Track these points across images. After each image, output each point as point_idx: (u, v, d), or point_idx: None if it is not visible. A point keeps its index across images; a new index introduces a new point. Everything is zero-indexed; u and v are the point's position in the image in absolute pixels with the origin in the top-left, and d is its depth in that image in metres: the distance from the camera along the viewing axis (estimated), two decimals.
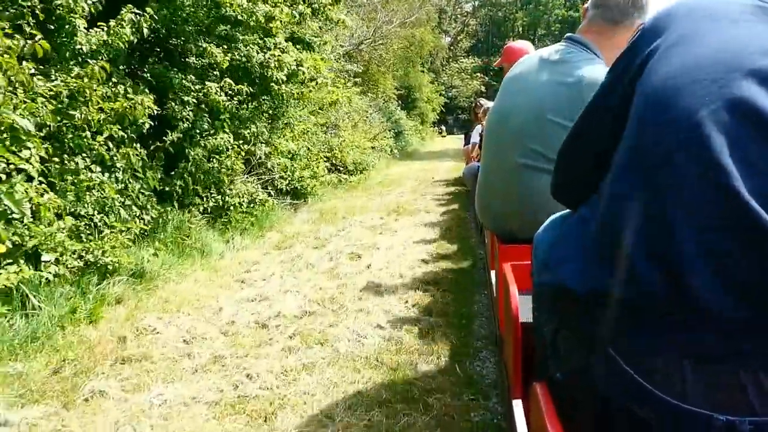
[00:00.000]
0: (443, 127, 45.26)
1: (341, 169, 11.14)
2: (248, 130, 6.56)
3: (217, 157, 5.76)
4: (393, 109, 24.16)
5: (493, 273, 2.51)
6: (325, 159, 10.73)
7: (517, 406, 1.47)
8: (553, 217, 1.27)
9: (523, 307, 1.41)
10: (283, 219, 7.06)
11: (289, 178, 7.46)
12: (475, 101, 7.95)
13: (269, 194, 6.98)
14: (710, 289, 0.78)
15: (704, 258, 0.78)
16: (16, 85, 3.39)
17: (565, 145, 1.17)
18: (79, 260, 3.67)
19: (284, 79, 7.02)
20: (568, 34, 2.14)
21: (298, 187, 7.61)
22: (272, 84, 6.90)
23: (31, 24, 3.77)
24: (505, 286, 1.64)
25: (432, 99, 39.58)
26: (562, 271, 1.02)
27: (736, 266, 0.77)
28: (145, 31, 4.76)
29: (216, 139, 5.68)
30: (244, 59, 6.36)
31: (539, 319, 1.16)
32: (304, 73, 7.75)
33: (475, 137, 6.55)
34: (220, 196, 5.95)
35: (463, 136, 13.93)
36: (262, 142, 6.90)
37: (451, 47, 55.57)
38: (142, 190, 4.66)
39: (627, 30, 1.97)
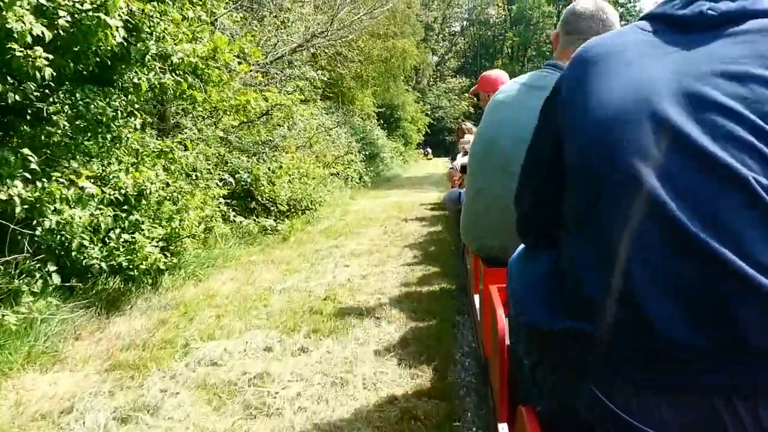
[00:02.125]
0: (429, 149, 41.55)
1: (269, 208, 7.34)
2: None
3: None
4: (370, 127, 20.42)
5: (476, 297, 2.45)
6: (230, 196, 6.94)
7: (503, 429, 1.45)
8: (521, 249, 1.28)
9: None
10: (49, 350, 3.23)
11: (99, 254, 3.63)
12: (459, 124, 7.52)
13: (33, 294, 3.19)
14: (670, 319, 0.78)
15: (659, 288, 0.79)
16: None
17: (518, 187, 1.19)
18: None
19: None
20: (548, 61, 2.11)
21: (128, 265, 3.77)
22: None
23: None
24: (491, 309, 1.61)
25: (417, 119, 36.10)
26: (534, 312, 1.02)
27: (690, 292, 0.78)
28: None
29: None
30: None
31: (519, 349, 1.13)
32: (158, 35, 4.01)
33: (458, 162, 5.59)
34: None
35: (449, 159, 11.71)
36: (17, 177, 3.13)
37: (439, 66, 52.35)
38: None
39: None
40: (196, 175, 6.09)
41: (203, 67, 5.57)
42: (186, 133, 6.75)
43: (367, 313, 3.72)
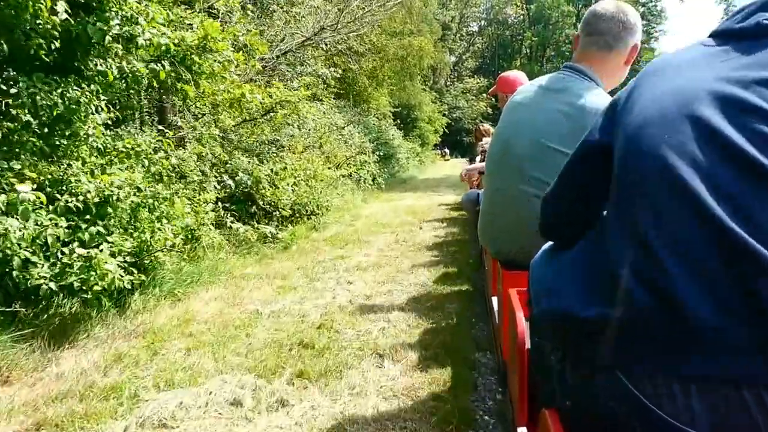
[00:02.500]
0: (447, 150, 40.76)
1: (271, 213, 6.69)
2: None
3: None
4: (384, 127, 19.75)
5: (495, 299, 2.42)
6: (229, 199, 6.31)
7: None
8: (546, 246, 1.27)
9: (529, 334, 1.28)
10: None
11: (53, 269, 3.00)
12: (477, 125, 7.30)
13: None
14: (701, 309, 0.78)
15: (691, 279, 0.79)
16: None
17: (555, 189, 1.19)
18: None
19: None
20: (566, 63, 2.08)
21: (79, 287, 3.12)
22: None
23: None
24: (510, 312, 1.58)
25: (434, 119, 35.40)
26: (565, 299, 1.01)
27: (722, 284, 0.78)
28: None
29: None
30: None
31: (543, 347, 1.10)
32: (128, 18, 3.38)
33: (475, 166, 5.17)
34: None
35: (467, 161, 10.57)
36: None
37: (456, 66, 51.54)
38: None
39: (621, 54, 1.97)
40: (186, 178, 5.47)
41: (193, 56, 4.95)
42: (181, 131, 6.14)
43: (368, 349, 3.04)
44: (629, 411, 0.83)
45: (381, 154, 15.21)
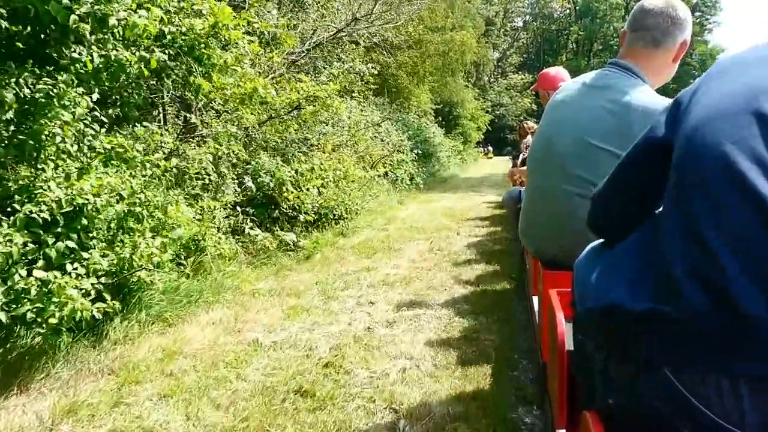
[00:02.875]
0: (490, 148, 39.73)
1: (294, 219, 6.11)
2: None
3: None
4: (424, 124, 19.04)
5: (535, 299, 2.39)
6: (250, 203, 5.76)
7: None
8: (592, 245, 1.24)
9: (570, 335, 1.25)
10: None
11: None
12: (521, 123, 7.06)
13: None
14: (758, 308, 0.76)
15: (749, 278, 0.77)
16: None
17: (606, 190, 1.17)
18: None
19: None
20: (612, 59, 2.02)
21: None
22: None
23: None
24: (550, 313, 1.56)
25: (477, 117, 34.49)
26: (614, 294, 0.98)
27: None
28: None
29: None
30: None
31: (587, 347, 1.08)
32: None
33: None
34: None
35: (510, 158, 9.98)
36: None
37: (500, 62, 50.36)
38: None
39: (669, 50, 1.90)
40: (197, 180, 4.93)
41: (202, 46, 4.40)
42: (198, 129, 5.61)
43: (381, 400, 2.39)
44: (676, 411, 0.81)
45: (419, 152, 14.52)
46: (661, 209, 0.98)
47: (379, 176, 9.93)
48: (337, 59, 14.22)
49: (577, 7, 49.87)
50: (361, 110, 12.83)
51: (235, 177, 6.14)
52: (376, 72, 13.24)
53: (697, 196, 0.85)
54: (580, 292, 1.14)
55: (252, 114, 6.68)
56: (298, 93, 6.91)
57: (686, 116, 0.94)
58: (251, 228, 5.45)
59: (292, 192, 6.10)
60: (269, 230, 5.88)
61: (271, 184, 6.13)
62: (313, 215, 6.21)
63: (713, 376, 0.79)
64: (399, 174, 11.52)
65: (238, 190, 6.01)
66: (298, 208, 6.10)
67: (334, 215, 6.73)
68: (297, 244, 5.59)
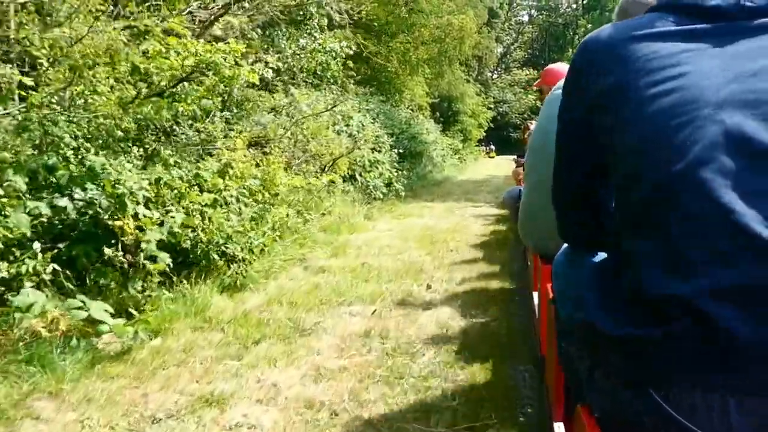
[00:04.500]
0: (492, 147, 36.84)
1: (145, 268, 3.39)
2: None
3: None
4: (415, 118, 16.28)
5: (536, 294, 2.42)
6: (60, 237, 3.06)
7: (559, 429, 1.40)
8: (564, 248, 1.22)
9: None
10: None
11: None
12: (525, 123, 6.80)
13: None
14: (739, 322, 0.74)
15: (725, 293, 0.75)
16: None
17: (553, 186, 1.13)
18: None
19: None
20: None
21: None
22: None
23: None
24: (548, 308, 1.54)
25: (478, 113, 31.68)
26: (589, 313, 0.94)
27: (759, 297, 0.74)
28: None
29: None
30: None
31: (570, 352, 1.05)
32: None
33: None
34: None
35: (514, 159, 8.47)
36: None
37: (504, 57, 47.51)
38: None
39: None
40: None
41: None
42: None
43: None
44: (663, 426, 0.79)
45: (403, 151, 11.77)
46: (621, 223, 0.90)
47: (333, 182, 7.19)
48: (307, 35, 11.59)
49: (585, 0, 46.91)
50: (332, 100, 10.15)
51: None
52: (351, 52, 10.51)
53: (667, 212, 0.79)
54: (559, 293, 1.13)
55: (104, 85, 3.98)
56: (181, 54, 4.21)
57: (624, 113, 0.85)
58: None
59: (130, 222, 3.37)
60: (82, 291, 3.21)
61: (102, 203, 3.44)
62: (168, 262, 3.46)
63: (698, 393, 0.76)
64: (371, 179, 8.77)
65: (46, 212, 3.35)
66: (138, 247, 3.38)
67: (226, 255, 3.99)
68: (108, 328, 2.87)
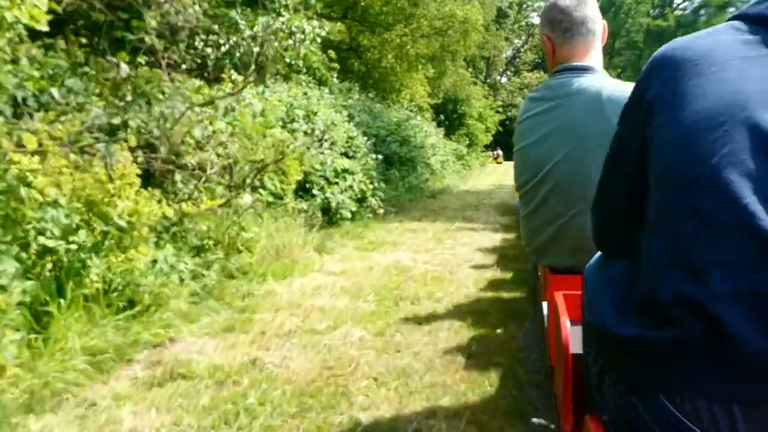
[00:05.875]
0: (499, 152, 34.44)
1: None
2: None
3: None
4: (410, 118, 14.05)
5: (544, 303, 2.30)
6: None
7: None
8: (598, 256, 1.18)
9: (575, 338, 1.28)
10: None
11: None
12: None
13: None
14: (751, 330, 0.72)
15: (740, 302, 0.73)
16: None
17: (597, 195, 1.10)
18: None
19: None
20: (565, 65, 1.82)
21: None
22: None
23: None
24: (555, 317, 1.52)
25: (485, 116, 29.44)
26: (601, 314, 0.95)
27: None
28: None
29: None
30: None
31: (588, 355, 1.04)
32: None
33: None
34: None
35: None
36: None
37: (514, 60, 45.21)
38: None
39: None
40: None
41: None
42: None
43: None
44: (669, 430, 0.78)
45: (390, 156, 9.54)
46: (645, 226, 0.88)
47: (258, 201, 4.95)
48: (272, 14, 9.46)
49: (599, 1, 44.63)
50: (303, 94, 8.05)
51: None
52: (324, 32, 8.30)
53: (685, 214, 0.78)
54: (584, 302, 1.12)
55: None
56: None
57: (662, 118, 0.84)
58: None
59: None
60: None
61: None
62: None
63: (706, 400, 0.75)
64: (335, 193, 6.52)
65: None
66: None
67: None
68: None
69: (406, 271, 4.64)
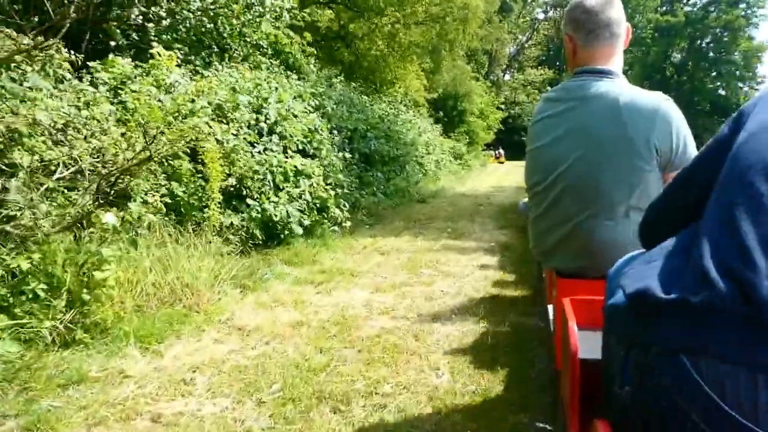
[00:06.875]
0: (501, 151, 32.71)
1: None
2: None
3: None
4: (398, 112, 12.42)
5: (550, 307, 2.30)
6: None
7: None
8: (628, 256, 1.22)
9: (583, 343, 1.28)
10: None
11: None
12: None
13: None
14: None
15: None
16: None
17: (661, 201, 1.13)
18: None
19: None
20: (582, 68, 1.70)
21: None
22: None
23: None
24: (563, 321, 1.49)
25: (487, 114, 27.77)
26: (645, 283, 0.91)
27: None
28: None
29: None
30: None
31: (609, 347, 1.03)
32: None
33: None
34: None
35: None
36: None
37: (518, 56, 43.46)
38: None
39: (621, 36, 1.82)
40: None
41: None
42: None
43: None
44: (688, 398, 0.78)
45: (359, 155, 7.90)
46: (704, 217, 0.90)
47: (137, 219, 3.35)
48: None
49: None
50: (266, 80, 6.49)
51: None
52: (289, 4, 6.71)
53: (739, 192, 0.82)
54: (610, 291, 1.11)
55: None
56: None
57: (744, 126, 0.92)
58: None
59: None
60: None
61: None
62: None
63: (731, 366, 0.75)
64: (272, 205, 4.88)
65: None
66: None
67: None
68: None
69: (352, 328, 3.02)
